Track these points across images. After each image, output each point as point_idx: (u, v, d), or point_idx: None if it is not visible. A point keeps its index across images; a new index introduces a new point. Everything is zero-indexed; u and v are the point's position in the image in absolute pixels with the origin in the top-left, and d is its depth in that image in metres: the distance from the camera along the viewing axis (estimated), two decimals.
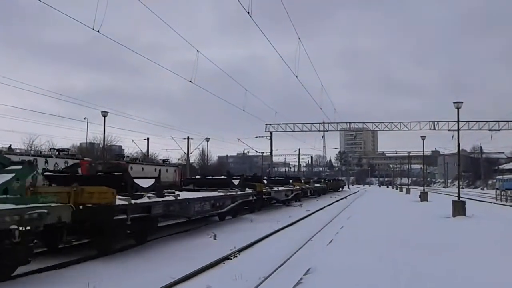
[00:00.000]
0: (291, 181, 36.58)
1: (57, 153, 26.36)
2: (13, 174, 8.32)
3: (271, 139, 56.40)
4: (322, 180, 58.96)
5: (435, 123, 53.40)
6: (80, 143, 61.00)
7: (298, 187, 35.10)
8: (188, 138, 52.73)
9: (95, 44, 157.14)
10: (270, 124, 56.26)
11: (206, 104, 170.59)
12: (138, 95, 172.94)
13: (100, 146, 48.24)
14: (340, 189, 77.28)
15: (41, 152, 30.90)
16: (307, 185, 41.71)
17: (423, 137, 44.31)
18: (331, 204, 35.10)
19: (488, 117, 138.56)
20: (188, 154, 53.44)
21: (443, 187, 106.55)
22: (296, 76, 28.01)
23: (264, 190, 24.58)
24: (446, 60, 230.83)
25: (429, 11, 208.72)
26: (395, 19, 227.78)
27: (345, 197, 48.70)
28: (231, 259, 10.55)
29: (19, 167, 8.67)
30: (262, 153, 69.94)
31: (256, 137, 58.55)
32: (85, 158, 28.67)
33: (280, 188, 30.01)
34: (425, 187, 46.88)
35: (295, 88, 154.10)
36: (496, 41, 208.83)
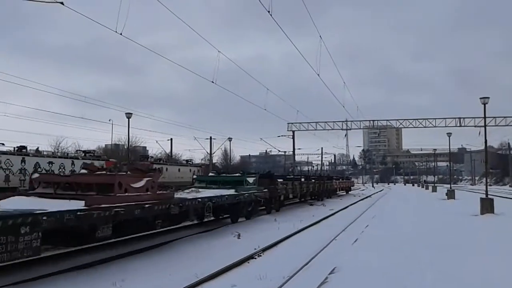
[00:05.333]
0: None
1: (83, 154, 26.91)
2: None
3: (293, 138, 56.16)
4: (250, 179, 20.29)
5: (461, 119, 52.08)
6: (105, 145, 62.09)
7: None
8: (210, 138, 53.10)
9: (96, 45, 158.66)
10: (292, 123, 56.06)
11: (227, 104, 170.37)
12: (147, 97, 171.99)
13: (125, 147, 49.01)
14: (345, 192, 52.70)
15: (67, 154, 31.59)
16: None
17: (449, 134, 43.48)
18: None
19: (507, 111, 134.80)
20: (211, 154, 53.79)
21: (470, 184, 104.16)
22: (318, 75, 27.84)
23: None
24: (456, 55, 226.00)
25: (433, 5, 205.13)
26: (398, 14, 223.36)
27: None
28: (256, 258, 10.58)
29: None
30: (285, 152, 69.92)
31: (279, 136, 58.47)
32: (110, 159, 29.17)
33: None
34: (451, 185, 45.96)
35: (304, 86, 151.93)
36: (500, 34, 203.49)
